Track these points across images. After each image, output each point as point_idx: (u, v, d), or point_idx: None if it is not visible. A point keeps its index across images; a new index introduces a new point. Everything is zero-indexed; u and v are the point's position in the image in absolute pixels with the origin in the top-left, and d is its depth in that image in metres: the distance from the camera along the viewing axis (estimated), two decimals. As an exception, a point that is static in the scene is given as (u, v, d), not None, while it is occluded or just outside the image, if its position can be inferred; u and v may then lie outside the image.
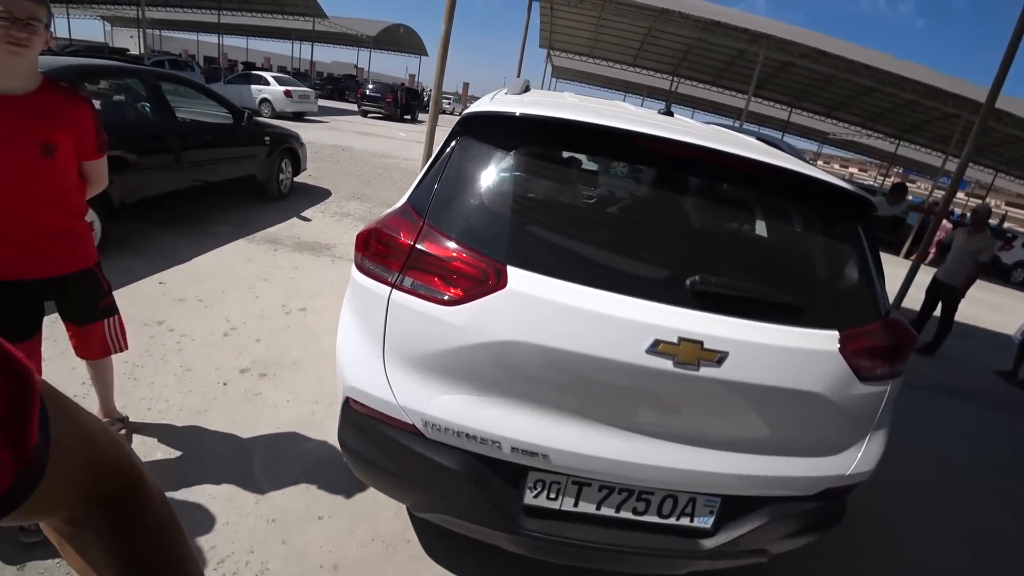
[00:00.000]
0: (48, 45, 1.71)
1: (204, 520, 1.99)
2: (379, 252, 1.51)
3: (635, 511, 1.56)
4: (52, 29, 1.73)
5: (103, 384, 2.24)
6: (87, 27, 55.25)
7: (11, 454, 0.34)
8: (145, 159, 4.41)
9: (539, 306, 1.37)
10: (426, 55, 47.87)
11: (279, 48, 59.99)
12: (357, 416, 1.56)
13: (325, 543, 1.99)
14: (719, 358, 1.39)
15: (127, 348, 2.21)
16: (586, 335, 1.36)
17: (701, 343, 1.37)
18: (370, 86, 24.32)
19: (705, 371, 1.39)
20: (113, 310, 2.14)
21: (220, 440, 2.42)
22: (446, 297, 1.41)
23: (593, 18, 21.72)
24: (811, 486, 1.62)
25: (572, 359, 1.38)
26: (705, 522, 1.59)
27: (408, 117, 24.75)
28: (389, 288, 1.47)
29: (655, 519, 1.58)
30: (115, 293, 2.16)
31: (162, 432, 2.41)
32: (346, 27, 36.84)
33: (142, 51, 22.99)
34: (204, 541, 1.91)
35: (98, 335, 2.10)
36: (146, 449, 2.30)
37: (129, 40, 40.45)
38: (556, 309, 1.36)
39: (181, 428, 2.46)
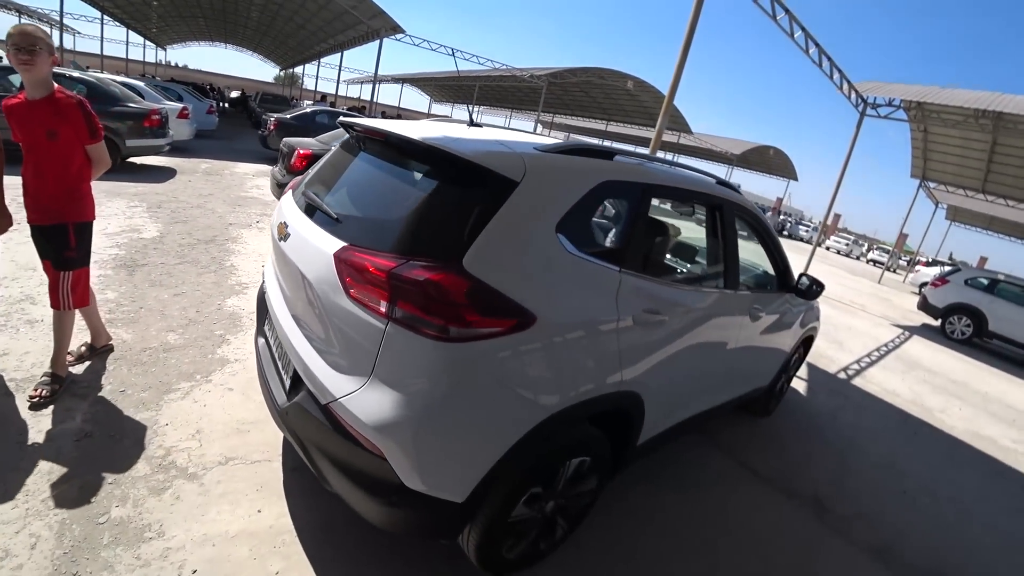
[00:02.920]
0: (56, 63, 2.53)
1: None
2: None
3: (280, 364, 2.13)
4: (56, 53, 2.53)
5: (57, 332, 2.73)
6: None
7: None
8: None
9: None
10: (795, 179, 45.40)
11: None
12: None
13: None
14: (285, 235, 2.04)
15: (68, 309, 2.72)
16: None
17: (285, 223, 2.07)
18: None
19: (283, 243, 2.04)
20: (70, 265, 2.69)
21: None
22: None
23: (982, 143, 17.26)
24: (321, 393, 1.72)
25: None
26: (284, 387, 2.00)
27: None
28: None
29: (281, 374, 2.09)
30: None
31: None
32: (710, 144, 38.56)
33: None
34: None
35: (54, 284, 2.67)
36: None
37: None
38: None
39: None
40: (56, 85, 2.52)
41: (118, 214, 6.13)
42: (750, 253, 3.49)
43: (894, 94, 13.23)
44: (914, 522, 3.32)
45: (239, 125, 22.53)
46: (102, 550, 1.89)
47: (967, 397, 6.61)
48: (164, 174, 9.07)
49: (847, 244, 37.84)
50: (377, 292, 1.55)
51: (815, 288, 3.55)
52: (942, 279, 11.25)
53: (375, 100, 28.34)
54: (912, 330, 10.62)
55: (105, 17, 33.60)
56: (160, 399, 2.81)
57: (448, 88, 51.24)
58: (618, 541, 2.48)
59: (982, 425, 5.62)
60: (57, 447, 2.36)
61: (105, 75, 11.43)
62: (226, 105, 30.26)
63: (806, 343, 4.41)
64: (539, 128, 38.37)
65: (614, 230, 2.39)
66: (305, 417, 1.78)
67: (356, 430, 1.61)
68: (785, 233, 36.89)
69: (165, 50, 57.59)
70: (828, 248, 36.69)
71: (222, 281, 4.63)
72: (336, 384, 1.68)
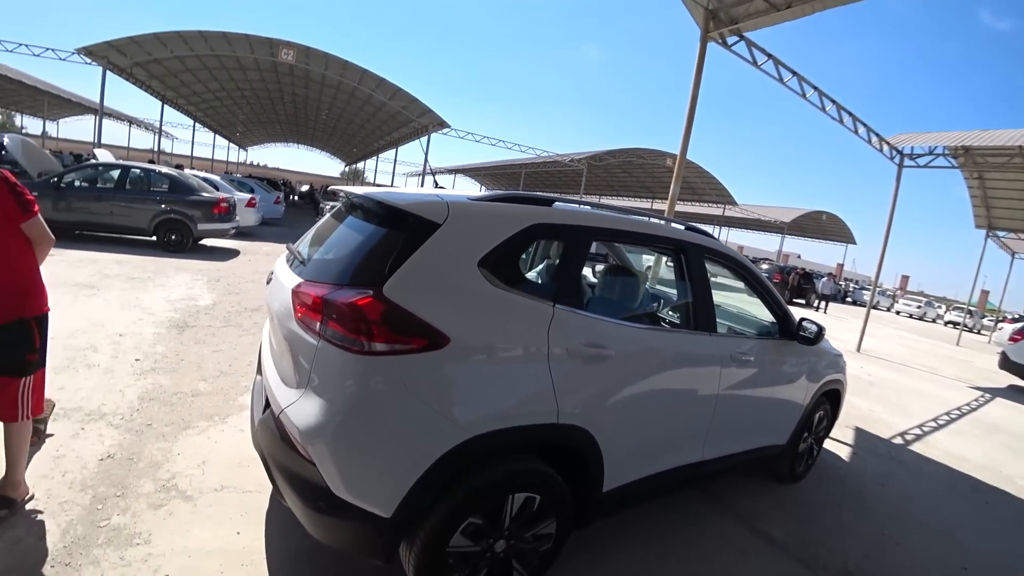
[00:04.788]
0: None
1: None
2: None
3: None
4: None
5: (11, 448, 2.25)
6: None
7: None
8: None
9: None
10: (854, 243, 43.79)
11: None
12: None
13: None
14: (269, 280, 2.44)
15: (33, 417, 2.31)
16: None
17: (272, 272, 2.46)
18: (764, 266, 24.67)
19: (267, 287, 2.45)
20: (31, 369, 2.26)
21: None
22: None
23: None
24: (276, 406, 1.95)
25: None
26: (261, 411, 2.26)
27: (801, 301, 23.52)
28: None
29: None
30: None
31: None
32: (758, 213, 38.25)
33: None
34: None
35: (10, 392, 2.20)
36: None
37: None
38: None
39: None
40: None
41: (181, 285, 6.85)
42: (752, 303, 3.39)
43: (930, 142, 12.77)
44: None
45: (305, 214, 24.61)
46: (95, 548, 2.11)
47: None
48: (228, 254, 10.07)
49: (919, 306, 35.16)
50: (313, 315, 1.79)
51: (819, 333, 3.34)
52: (1021, 332, 10.30)
53: (423, 188, 30.26)
54: (995, 392, 9.66)
55: (196, 124, 38.40)
56: (179, 433, 3.08)
57: (497, 176, 54.06)
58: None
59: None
60: (83, 463, 2.67)
61: (186, 170, 13.00)
62: (295, 197, 33.14)
63: (832, 399, 4.10)
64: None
65: (551, 268, 2.51)
66: (265, 431, 1.98)
67: (294, 436, 1.79)
68: (849, 299, 35.07)
69: (246, 151, 64.51)
70: (899, 313, 34.40)
71: (258, 342, 5.00)
72: (285, 396, 1.90)
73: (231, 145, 54.80)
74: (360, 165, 61.41)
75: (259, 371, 2.69)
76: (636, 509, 2.95)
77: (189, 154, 41.25)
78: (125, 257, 8.18)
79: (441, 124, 24.95)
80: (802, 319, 3.44)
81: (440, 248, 1.87)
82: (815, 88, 9.88)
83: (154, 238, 9.40)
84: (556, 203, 2.32)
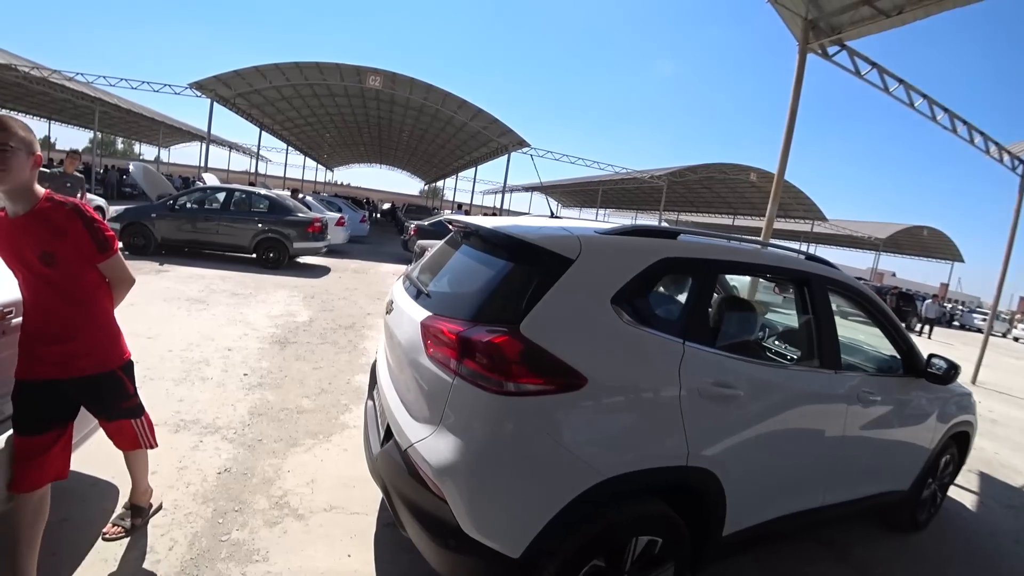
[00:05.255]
0: (38, 164, 1.85)
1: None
2: None
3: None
4: (40, 151, 1.86)
5: (135, 469, 2.34)
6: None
7: None
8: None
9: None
10: (961, 261, 39.84)
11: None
12: None
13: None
14: (390, 309, 2.45)
15: (156, 446, 2.31)
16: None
17: (391, 300, 2.48)
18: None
19: (388, 316, 2.47)
20: (138, 411, 2.21)
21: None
22: None
23: None
24: (402, 439, 1.94)
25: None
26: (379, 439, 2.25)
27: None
28: None
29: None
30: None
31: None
32: (849, 229, 35.80)
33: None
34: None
35: (127, 431, 2.19)
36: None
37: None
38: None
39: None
40: (43, 191, 1.88)
41: (279, 302, 7.28)
42: (872, 336, 3.13)
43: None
44: None
45: (388, 232, 25.64)
46: (219, 562, 2.22)
47: None
48: (320, 271, 10.63)
49: (1005, 320, 31.29)
50: (448, 351, 1.78)
51: (951, 371, 3.05)
52: None
53: (504, 207, 30.77)
54: None
55: (289, 148, 41.26)
56: (287, 450, 3.21)
57: (574, 193, 54.03)
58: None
59: None
60: (203, 476, 2.84)
61: (282, 192, 13.91)
62: (378, 215, 34.61)
63: (959, 442, 3.71)
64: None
65: (680, 304, 2.40)
66: (389, 462, 1.99)
67: (425, 473, 1.77)
68: (956, 323, 31.77)
69: (332, 171, 68.46)
70: (1017, 339, 30.45)
71: (354, 360, 5.21)
72: (413, 431, 1.89)
73: (319, 166, 58.35)
74: (439, 183, 63.54)
75: (370, 395, 2.75)
76: (749, 554, 2.77)
77: (282, 175, 44.44)
78: (228, 273, 8.85)
79: (521, 143, 25.28)
80: (931, 355, 3.15)
81: (574, 285, 1.83)
82: (924, 96, 9.09)
83: (254, 255, 10.10)
84: (681, 235, 2.25)
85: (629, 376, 1.87)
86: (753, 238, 2.92)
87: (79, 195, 7.04)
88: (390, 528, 2.61)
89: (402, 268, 13.07)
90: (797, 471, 2.50)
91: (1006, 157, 11.33)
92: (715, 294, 2.53)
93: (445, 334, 1.81)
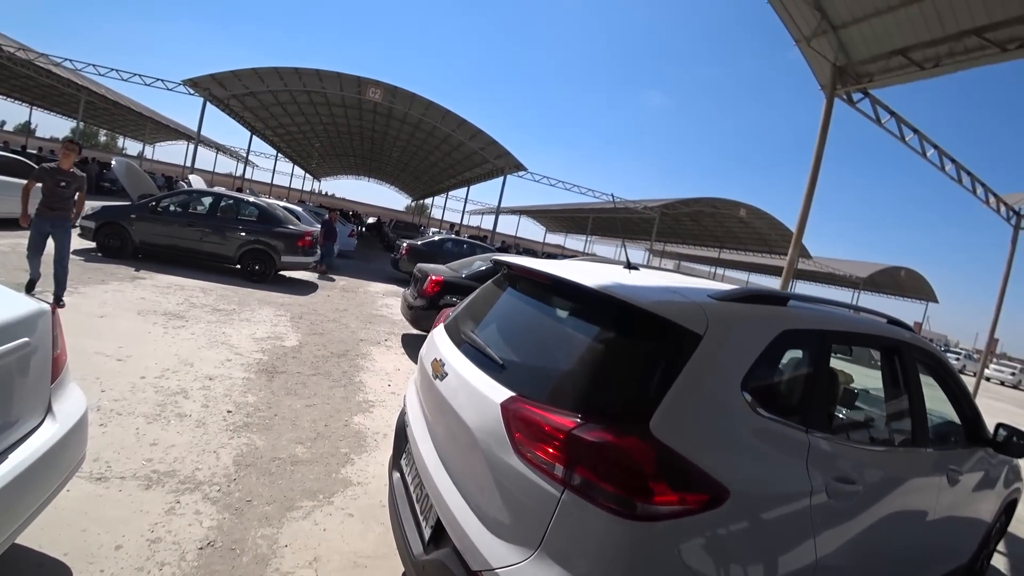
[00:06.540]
0: None
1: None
2: None
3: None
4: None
5: None
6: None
7: None
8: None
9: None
10: (935, 301, 40.89)
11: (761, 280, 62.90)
12: None
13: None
14: (442, 374, 1.95)
15: None
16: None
17: (441, 361, 2.00)
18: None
19: (439, 382, 1.94)
20: None
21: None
22: None
23: None
24: (471, 556, 1.49)
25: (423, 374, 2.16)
26: (423, 535, 1.77)
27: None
28: None
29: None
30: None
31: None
32: (831, 267, 36.38)
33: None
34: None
35: None
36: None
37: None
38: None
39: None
40: None
41: (265, 321, 6.75)
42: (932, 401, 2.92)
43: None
44: None
45: (374, 248, 25.08)
46: None
47: None
48: (307, 288, 10.08)
49: (1013, 373, 31.19)
50: (553, 454, 1.38)
51: (1018, 441, 2.83)
52: None
53: (495, 230, 30.52)
54: None
55: (278, 155, 40.63)
56: (282, 515, 2.73)
57: (562, 219, 54.17)
58: None
59: None
60: (182, 552, 2.33)
61: (273, 200, 13.38)
62: (363, 229, 34.04)
63: (1009, 510, 3.53)
64: (649, 258, 38.77)
65: (796, 384, 2.04)
66: None
67: None
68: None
69: (319, 181, 67.64)
70: (988, 379, 30.96)
71: (351, 396, 4.73)
72: (494, 551, 1.45)
73: (306, 175, 57.58)
74: (427, 201, 63.24)
75: (396, 464, 2.30)
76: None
77: (269, 182, 43.61)
78: (209, 285, 8.28)
79: (518, 167, 25.20)
80: (999, 424, 2.97)
81: (704, 368, 1.46)
82: (935, 147, 9.20)
83: (238, 266, 9.53)
84: (791, 301, 1.93)
85: (767, 480, 1.52)
86: (836, 299, 2.63)
87: (77, 199, 5.98)
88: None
89: (394, 288, 12.59)
90: (888, 562, 2.19)
91: (1003, 208, 11.61)
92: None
93: (547, 430, 1.41)
